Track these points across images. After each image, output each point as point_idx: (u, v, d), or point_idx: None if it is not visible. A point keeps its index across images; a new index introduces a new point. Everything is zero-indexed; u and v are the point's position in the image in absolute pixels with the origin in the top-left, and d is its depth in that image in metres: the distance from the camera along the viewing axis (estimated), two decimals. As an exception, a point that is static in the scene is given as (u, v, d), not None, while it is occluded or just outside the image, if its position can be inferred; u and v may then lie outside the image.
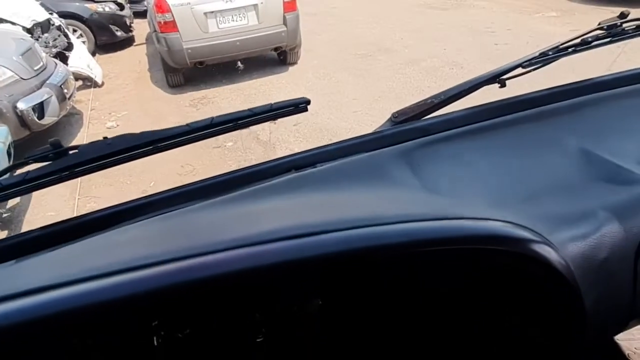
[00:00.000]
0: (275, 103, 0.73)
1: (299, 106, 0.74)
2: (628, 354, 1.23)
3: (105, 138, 0.68)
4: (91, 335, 0.43)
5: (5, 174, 0.67)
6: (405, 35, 6.25)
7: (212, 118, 0.71)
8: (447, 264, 0.48)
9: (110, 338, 0.44)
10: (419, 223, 0.47)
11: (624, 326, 0.68)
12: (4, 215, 3.60)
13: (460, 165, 0.71)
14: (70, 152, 0.67)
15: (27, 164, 0.67)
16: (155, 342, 0.44)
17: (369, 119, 4.08)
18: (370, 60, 5.53)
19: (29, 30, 5.26)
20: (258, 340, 0.46)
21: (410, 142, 0.79)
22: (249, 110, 0.72)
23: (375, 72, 5.10)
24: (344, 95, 4.50)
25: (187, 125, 0.70)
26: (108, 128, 4.71)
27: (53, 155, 0.66)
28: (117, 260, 0.46)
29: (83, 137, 4.61)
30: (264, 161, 0.83)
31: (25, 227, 3.41)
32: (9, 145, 3.50)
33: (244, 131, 4.46)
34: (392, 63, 5.31)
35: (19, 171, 0.67)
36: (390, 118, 0.94)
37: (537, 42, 5.19)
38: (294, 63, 5.62)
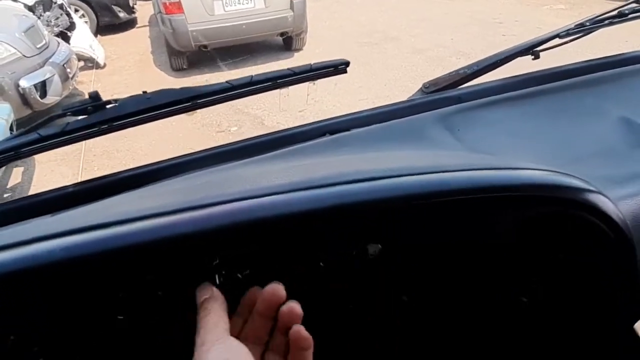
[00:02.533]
0: (315, 63, 0.72)
1: (338, 67, 0.73)
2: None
3: (144, 92, 0.67)
4: (155, 270, 0.42)
5: (45, 124, 0.66)
6: (412, 24, 6.21)
7: (252, 76, 0.70)
8: (502, 213, 0.48)
9: (172, 275, 0.43)
10: (476, 171, 0.46)
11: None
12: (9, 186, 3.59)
13: (501, 131, 0.71)
14: (109, 105, 0.66)
15: (65, 115, 0.66)
16: (217, 281, 0.43)
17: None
18: (377, 48, 5.50)
19: (31, 8, 5.19)
20: (317, 283, 0.45)
21: (446, 108, 0.79)
22: (289, 69, 0.71)
23: (382, 61, 5.08)
24: (350, 83, 4.47)
25: (227, 82, 0.69)
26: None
27: (92, 108, 0.65)
28: (172, 202, 0.46)
29: (85, 117, 4.58)
30: (296, 125, 0.82)
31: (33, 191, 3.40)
32: (11, 123, 3.47)
33: (249, 116, 4.44)
34: (399, 52, 5.28)
35: (57, 122, 0.66)
36: (421, 88, 0.93)
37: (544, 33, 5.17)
38: (300, 49, 5.58)
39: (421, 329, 0.52)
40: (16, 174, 3.83)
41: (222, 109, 4.22)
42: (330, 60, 0.73)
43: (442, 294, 0.50)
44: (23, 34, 4.10)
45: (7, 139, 0.64)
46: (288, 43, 5.54)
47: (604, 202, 0.46)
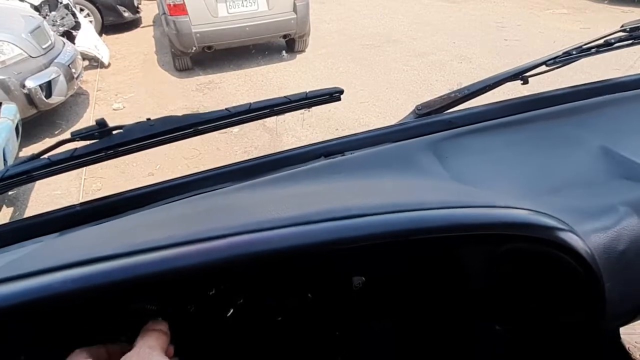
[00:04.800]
0: (310, 92, 0.76)
1: (332, 95, 0.77)
2: (628, 348, 1.28)
3: (148, 119, 0.71)
4: (156, 299, 0.47)
5: (54, 149, 0.70)
6: (414, 28, 6.24)
7: (250, 104, 0.73)
8: (477, 247, 0.52)
9: (174, 303, 0.47)
10: (454, 210, 0.50)
11: (632, 318, 0.72)
12: (10, 193, 3.63)
13: (485, 158, 0.74)
14: (115, 131, 0.70)
15: (73, 140, 0.70)
16: (211, 309, 0.48)
17: (376, 110, 4.10)
18: (378, 51, 5.53)
19: (37, 8, 5.24)
20: (306, 312, 0.49)
21: (435, 134, 0.82)
22: (285, 97, 0.74)
23: (383, 64, 5.11)
24: (351, 86, 4.51)
25: (227, 109, 0.73)
26: (114, 109, 4.72)
27: (98, 134, 0.69)
28: (176, 233, 0.50)
29: (89, 117, 4.62)
30: (293, 147, 0.86)
31: (32, 206, 3.45)
32: (17, 123, 3.52)
33: (251, 117, 4.48)
34: (400, 55, 5.31)
35: (65, 148, 0.70)
36: (414, 110, 0.97)
37: (547, 39, 5.20)
38: (302, 51, 5.62)
39: (403, 353, 0.56)
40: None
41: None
42: (325, 88, 0.77)
43: (420, 321, 0.54)
44: (29, 34, 4.15)
45: (20, 163, 0.68)
46: (290, 45, 5.57)
47: (573, 240, 0.50)
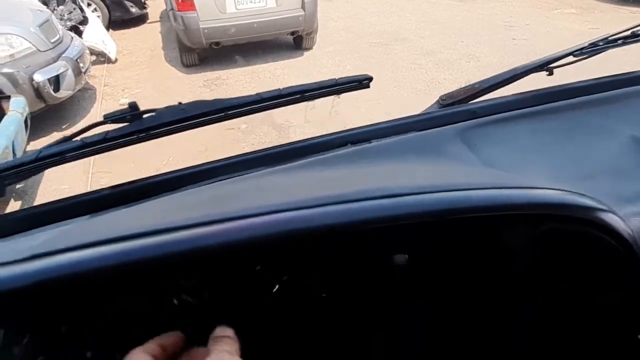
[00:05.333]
0: (339, 78, 0.76)
1: (362, 82, 0.77)
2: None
3: (179, 103, 0.71)
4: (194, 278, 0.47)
5: (86, 131, 0.70)
6: (422, 26, 6.22)
7: (281, 89, 0.73)
8: (517, 228, 0.52)
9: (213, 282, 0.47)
10: (497, 190, 0.50)
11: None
12: (17, 186, 3.64)
13: (515, 147, 0.74)
14: (146, 115, 0.70)
15: (105, 123, 0.70)
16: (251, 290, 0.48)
17: (382, 109, 4.09)
18: (386, 49, 5.52)
19: (45, 2, 5.26)
20: (348, 292, 0.50)
21: (461, 122, 0.82)
22: (316, 83, 0.75)
23: (391, 62, 5.10)
24: (359, 83, 4.50)
25: (257, 94, 0.73)
26: (121, 105, 4.73)
27: (130, 117, 0.69)
28: (213, 212, 0.50)
29: (96, 112, 4.63)
30: (318, 135, 0.86)
31: (39, 199, 3.45)
32: (26, 116, 3.53)
33: (259, 114, 4.49)
34: (408, 53, 5.30)
35: (97, 130, 0.70)
36: (438, 101, 0.97)
37: (555, 39, 5.19)
38: (309, 48, 5.62)
39: (439, 334, 0.56)
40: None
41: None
42: (354, 76, 0.77)
43: (460, 301, 0.54)
44: (38, 28, 4.16)
45: (53, 145, 0.68)
46: (298, 42, 5.57)
47: (614, 220, 0.50)
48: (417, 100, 3.91)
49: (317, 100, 0.78)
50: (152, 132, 0.70)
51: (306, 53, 5.57)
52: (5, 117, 3.31)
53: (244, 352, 0.44)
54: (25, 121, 3.48)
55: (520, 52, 4.86)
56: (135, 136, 0.69)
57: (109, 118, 0.70)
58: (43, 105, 4.08)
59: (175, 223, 0.48)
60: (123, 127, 0.70)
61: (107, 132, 0.69)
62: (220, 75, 5.17)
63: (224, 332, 0.46)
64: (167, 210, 0.59)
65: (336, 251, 0.49)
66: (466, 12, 6.72)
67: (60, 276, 0.48)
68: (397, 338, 0.54)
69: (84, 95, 4.99)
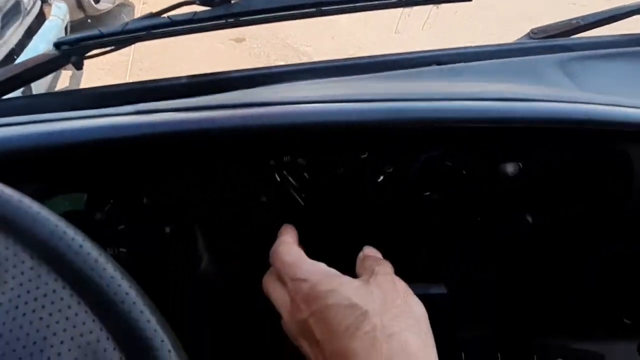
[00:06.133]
0: (441, -12, 0.71)
1: (466, -7, 0.71)
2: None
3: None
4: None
5: (173, 9, 0.67)
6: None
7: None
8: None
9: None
10: (620, 108, 0.47)
11: None
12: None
13: (622, 83, 0.69)
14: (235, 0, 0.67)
15: (193, 3, 0.67)
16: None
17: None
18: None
19: None
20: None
21: (560, 54, 0.77)
22: (418, -11, 0.70)
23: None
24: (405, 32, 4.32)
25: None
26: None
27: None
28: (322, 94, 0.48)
29: (133, 30, 4.56)
30: (402, 52, 0.82)
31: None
32: (66, 23, 3.50)
33: (297, 52, 4.37)
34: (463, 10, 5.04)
35: (184, 10, 0.67)
36: (529, 34, 0.90)
37: (615, 4, 4.85)
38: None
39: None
40: (64, 78, 3.89)
41: (271, 41, 4.14)
42: (457, -13, 0.72)
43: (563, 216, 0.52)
44: None
45: (140, 19, 0.65)
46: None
47: None
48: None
49: (414, 9, 0.73)
50: (242, 18, 0.66)
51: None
52: (47, 21, 3.29)
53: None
54: (65, 28, 3.45)
55: (576, 14, 4.57)
56: (224, 21, 0.66)
57: (199, -1, 0.66)
58: (82, 15, 4.03)
59: (282, 98, 0.46)
60: (211, 10, 0.66)
61: (196, 13, 0.65)
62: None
63: (377, 254, 0.46)
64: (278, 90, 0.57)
65: (446, 148, 0.47)
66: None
67: (144, 136, 0.46)
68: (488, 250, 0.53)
69: (122, 11, 4.90)
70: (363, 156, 0.48)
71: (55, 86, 3.73)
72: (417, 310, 0.40)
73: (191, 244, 0.58)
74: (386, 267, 0.43)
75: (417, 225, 0.54)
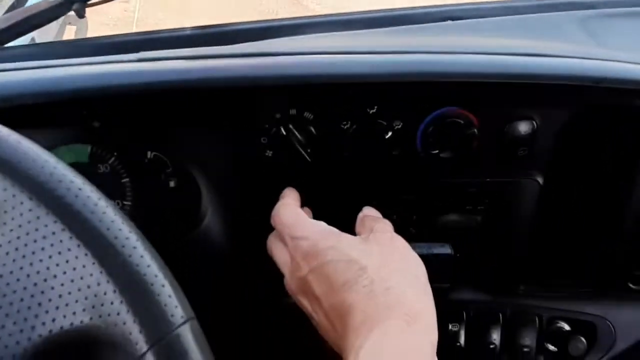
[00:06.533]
0: None
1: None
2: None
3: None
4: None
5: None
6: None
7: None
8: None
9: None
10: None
11: None
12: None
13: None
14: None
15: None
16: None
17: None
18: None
19: None
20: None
21: (579, 11, 0.73)
22: None
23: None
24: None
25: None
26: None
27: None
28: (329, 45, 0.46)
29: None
30: (414, 6, 0.79)
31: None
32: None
33: (307, 10, 4.24)
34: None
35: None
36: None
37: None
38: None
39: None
40: (69, 34, 3.83)
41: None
42: None
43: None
44: None
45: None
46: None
47: None
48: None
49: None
50: None
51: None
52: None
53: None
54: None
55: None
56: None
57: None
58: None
59: (289, 49, 0.44)
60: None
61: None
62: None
63: (377, 214, 0.46)
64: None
65: (457, 104, 0.45)
66: None
67: (147, 84, 0.45)
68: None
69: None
70: (372, 111, 0.47)
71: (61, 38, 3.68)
72: (415, 266, 0.40)
73: (195, 199, 0.58)
74: (385, 226, 0.43)
75: (424, 185, 0.53)
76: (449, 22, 0.74)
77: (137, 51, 0.54)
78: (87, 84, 0.42)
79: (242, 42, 0.63)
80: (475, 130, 0.48)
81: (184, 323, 0.25)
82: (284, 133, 0.47)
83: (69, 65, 0.44)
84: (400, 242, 0.41)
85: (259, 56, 0.46)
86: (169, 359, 0.23)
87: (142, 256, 0.25)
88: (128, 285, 0.25)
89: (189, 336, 0.24)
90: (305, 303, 0.40)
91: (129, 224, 0.28)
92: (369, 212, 0.46)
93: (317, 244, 0.39)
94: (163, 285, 0.25)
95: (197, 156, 0.53)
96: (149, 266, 0.25)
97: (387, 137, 0.47)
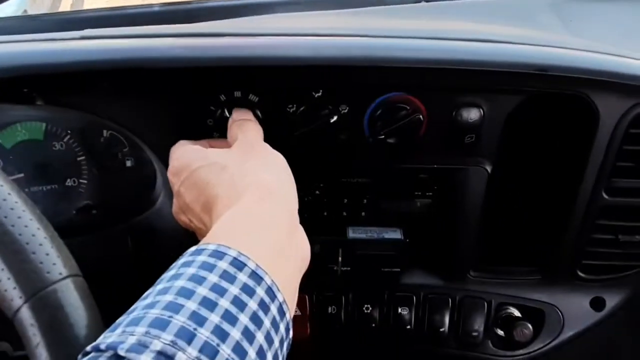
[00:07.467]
0: None
1: None
2: None
3: None
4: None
5: None
6: None
7: None
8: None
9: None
10: (589, 53, 0.45)
11: None
12: None
13: (615, 27, 0.65)
14: None
15: None
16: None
17: None
18: None
19: None
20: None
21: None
22: None
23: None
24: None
25: None
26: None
27: None
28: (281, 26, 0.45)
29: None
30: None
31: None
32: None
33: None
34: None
35: None
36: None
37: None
38: None
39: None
40: (65, 4, 3.78)
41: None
42: None
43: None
44: None
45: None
46: None
47: None
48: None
49: None
50: None
51: None
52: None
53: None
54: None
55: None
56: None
57: None
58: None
59: (236, 30, 0.44)
60: None
61: None
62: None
63: (245, 116, 0.47)
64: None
65: (403, 90, 0.45)
66: None
67: (89, 62, 0.45)
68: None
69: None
70: (317, 94, 0.47)
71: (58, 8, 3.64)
72: (274, 157, 0.42)
73: (151, 180, 0.58)
74: (247, 132, 0.44)
75: (373, 169, 0.53)
76: (423, 3, 0.73)
77: (95, 27, 0.54)
78: (23, 62, 0.42)
79: (205, 21, 0.63)
80: (421, 116, 0.47)
81: (62, 279, 0.25)
82: (229, 116, 0.47)
83: (9, 42, 0.44)
84: (260, 144, 0.43)
85: (203, 37, 0.45)
86: (44, 312, 0.24)
87: (19, 217, 0.26)
88: (2, 245, 0.25)
89: (67, 292, 0.25)
90: (184, 219, 0.43)
91: (31, 210, 0.28)
92: (237, 116, 0.47)
93: (184, 159, 0.42)
94: (41, 244, 0.26)
95: (148, 136, 0.53)
96: (26, 226, 0.26)
97: (332, 121, 0.47)
